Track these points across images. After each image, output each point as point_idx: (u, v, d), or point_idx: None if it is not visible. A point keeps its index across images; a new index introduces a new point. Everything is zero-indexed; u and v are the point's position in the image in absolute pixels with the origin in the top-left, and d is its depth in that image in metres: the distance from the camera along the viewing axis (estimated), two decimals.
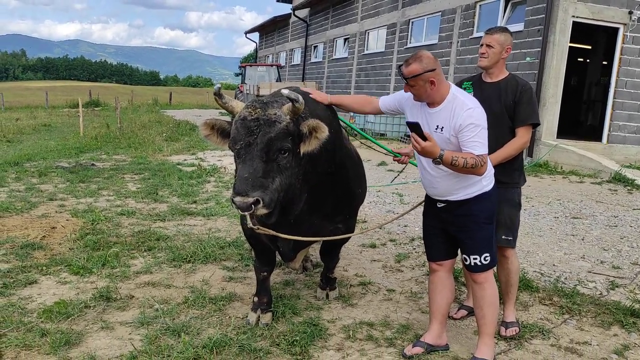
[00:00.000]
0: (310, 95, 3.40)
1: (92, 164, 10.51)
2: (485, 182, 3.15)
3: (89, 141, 14.35)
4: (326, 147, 3.10)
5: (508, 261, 3.71)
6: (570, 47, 11.89)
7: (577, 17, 11.49)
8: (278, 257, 3.89)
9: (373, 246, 5.59)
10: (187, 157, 12.03)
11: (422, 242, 5.65)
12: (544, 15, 11.59)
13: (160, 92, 52.89)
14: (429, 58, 2.98)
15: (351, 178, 3.68)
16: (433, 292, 3.41)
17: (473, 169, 2.91)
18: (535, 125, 3.66)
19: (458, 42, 14.82)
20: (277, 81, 23.45)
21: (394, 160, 3.99)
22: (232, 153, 3.00)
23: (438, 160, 2.87)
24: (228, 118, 3.56)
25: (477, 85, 3.76)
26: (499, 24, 13.33)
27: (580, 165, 10.66)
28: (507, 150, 3.56)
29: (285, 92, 2.90)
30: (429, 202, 3.37)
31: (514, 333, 3.67)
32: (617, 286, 4.59)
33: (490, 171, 3.19)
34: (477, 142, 2.92)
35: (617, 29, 11.90)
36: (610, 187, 9.38)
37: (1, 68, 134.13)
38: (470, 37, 14.33)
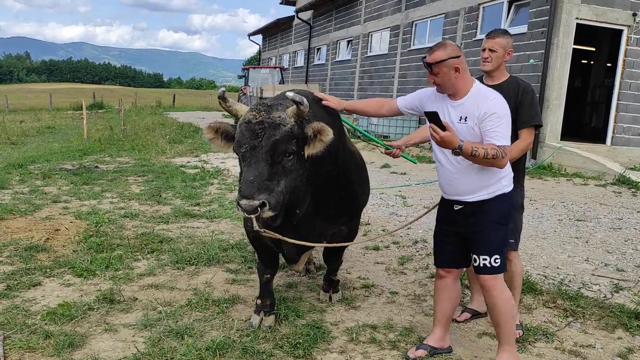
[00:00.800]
0: (324, 102, 3.40)
1: (96, 166, 10.54)
2: (505, 182, 3.11)
3: (93, 143, 14.38)
4: (330, 149, 3.10)
5: (511, 264, 3.69)
6: (574, 49, 11.87)
7: (580, 19, 11.47)
8: (281, 260, 3.89)
9: (376, 249, 5.58)
10: (190, 160, 12.05)
11: (425, 244, 5.68)
12: (547, 17, 11.58)
13: (163, 95, 53.05)
14: (453, 46, 2.99)
15: (354, 180, 3.68)
16: (438, 297, 3.38)
17: (494, 159, 2.84)
18: (538, 126, 3.66)
19: (461, 44, 14.80)
20: (280, 83, 23.48)
21: (385, 153, 3.99)
22: (235, 156, 3.01)
23: (457, 150, 2.80)
24: (232, 120, 3.57)
25: None
26: (502, 26, 13.33)
27: (584, 167, 10.64)
28: (511, 152, 3.56)
29: (290, 94, 2.90)
30: (445, 205, 3.32)
31: (518, 336, 3.66)
32: (621, 289, 4.58)
33: (510, 173, 3.16)
34: (499, 132, 2.87)
35: (621, 31, 11.88)
36: (614, 189, 9.35)
37: (5, 70, 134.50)
38: (473, 39, 14.33)
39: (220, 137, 3.08)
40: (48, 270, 4.61)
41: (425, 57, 3.02)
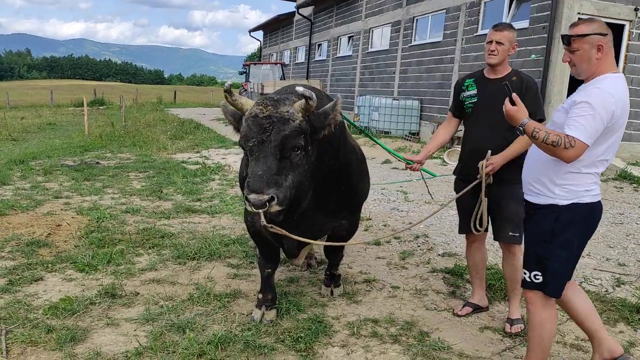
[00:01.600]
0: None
1: (97, 162, 10.54)
2: (578, 195, 2.73)
3: (94, 139, 14.38)
4: (331, 143, 3.10)
5: (514, 258, 3.70)
6: None
7: (582, 13, 11.42)
8: (282, 255, 3.89)
9: (377, 244, 5.58)
10: (191, 155, 12.05)
11: (426, 239, 5.68)
12: (549, 12, 11.54)
13: (164, 91, 53.02)
14: (601, 23, 2.77)
15: (355, 174, 3.68)
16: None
17: (554, 147, 2.56)
18: (541, 120, 3.65)
19: (462, 39, 14.77)
20: (281, 79, 23.47)
21: (406, 167, 4.00)
22: (236, 152, 3.00)
23: (520, 128, 2.68)
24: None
25: (480, 82, 3.76)
26: (504, 21, 13.29)
27: None
28: (516, 147, 3.55)
29: (299, 89, 2.88)
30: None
31: (519, 330, 3.66)
32: (622, 283, 4.58)
33: (589, 189, 2.75)
34: (578, 122, 2.54)
35: (622, 26, 11.84)
36: (616, 184, 9.34)
37: (6, 67, 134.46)
38: (474, 34, 14.28)
39: (233, 120, 3.09)
40: (50, 265, 4.61)
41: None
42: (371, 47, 21.01)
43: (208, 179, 9.09)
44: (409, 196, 8.00)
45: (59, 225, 5.82)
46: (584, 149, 2.57)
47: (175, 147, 13.23)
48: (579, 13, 11.38)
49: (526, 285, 2.87)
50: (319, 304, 4.00)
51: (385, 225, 6.29)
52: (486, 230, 3.71)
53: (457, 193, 3.94)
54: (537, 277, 2.81)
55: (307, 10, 27.63)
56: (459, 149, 12.12)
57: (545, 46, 11.64)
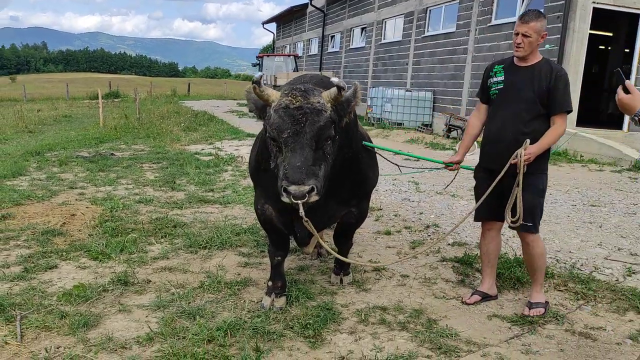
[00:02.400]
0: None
1: (112, 154, 10.66)
2: None
3: (109, 131, 14.52)
4: (347, 132, 3.13)
5: (529, 247, 3.71)
6: (591, 34, 11.70)
7: (597, 2, 11.30)
8: (293, 244, 3.93)
9: (388, 233, 5.59)
10: (204, 147, 12.13)
11: (437, 229, 5.69)
12: (563, 2, 11.41)
13: (178, 84, 53.23)
14: None
15: (365, 162, 3.70)
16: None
17: None
18: (569, 112, 3.60)
19: (476, 30, 14.66)
20: (294, 71, 23.46)
21: (447, 169, 4.03)
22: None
23: (635, 117, 2.54)
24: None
25: (508, 70, 3.71)
26: (517, 11, 13.17)
27: (600, 153, 10.52)
28: (549, 139, 3.54)
29: (335, 80, 2.92)
30: None
31: (538, 314, 3.67)
32: (634, 272, 4.55)
33: None
34: None
35: (638, 15, 11.67)
36: (630, 175, 9.25)
37: (23, 60, 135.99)
38: (488, 24, 14.17)
39: (253, 104, 3.07)
40: (64, 253, 4.69)
41: None
42: (384, 39, 20.93)
43: (221, 170, 9.15)
44: (421, 187, 8.00)
45: (73, 214, 5.91)
46: None
47: (189, 139, 13.33)
48: (593, 2, 11.26)
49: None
50: (328, 291, 4.04)
51: (396, 216, 6.30)
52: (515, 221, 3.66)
53: (476, 180, 3.96)
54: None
55: (320, 2, 27.55)
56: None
57: (559, 36, 11.53)
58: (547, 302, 3.81)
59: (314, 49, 30.14)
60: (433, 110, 16.63)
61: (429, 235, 5.55)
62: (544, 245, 3.83)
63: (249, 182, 7.94)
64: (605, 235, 5.67)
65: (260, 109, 3.05)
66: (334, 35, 27.04)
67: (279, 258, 3.80)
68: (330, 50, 27.45)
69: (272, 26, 40.05)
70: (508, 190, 3.62)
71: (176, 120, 17.41)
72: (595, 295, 4.03)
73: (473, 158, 10.22)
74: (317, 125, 2.84)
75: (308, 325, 3.39)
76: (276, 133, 2.87)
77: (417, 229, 5.79)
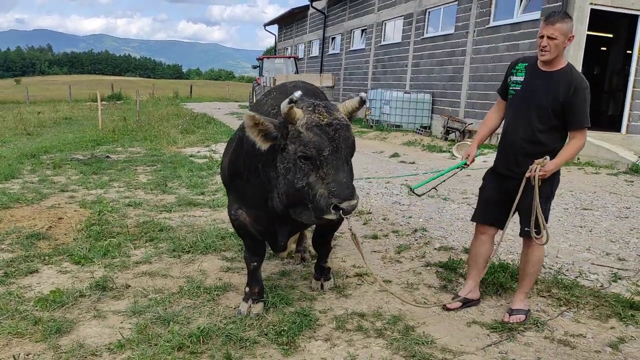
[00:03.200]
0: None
1: (107, 156, 10.66)
2: None
3: (107, 134, 14.53)
4: None
5: (528, 251, 3.70)
6: (591, 35, 11.62)
7: (595, 4, 11.22)
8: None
9: (375, 237, 5.56)
10: (200, 149, 12.12)
11: (424, 233, 5.65)
12: (561, 3, 11.34)
13: (182, 86, 53.33)
14: None
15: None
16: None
17: None
18: (589, 128, 3.48)
19: (474, 31, 14.60)
20: (294, 73, 23.43)
21: (465, 167, 4.01)
22: None
23: None
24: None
25: (530, 71, 3.58)
26: (515, 13, 13.13)
27: (596, 156, 10.45)
28: (568, 155, 3.47)
29: (363, 95, 3.07)
30: None
31: (518, 321, 3.62)
32: (620, 278, 4.49)
33: None
34: None
35: (637, 17, 11.59)
36: (626, 178, 9.17)
37: (28, 63, 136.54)
38: (486, 26, 14.10)
39: (257, 131, 2.95)
40: (47, 257, 4.67)
41: None
42: (384, 40, 20.89)
43: (214, 172, 9.12)
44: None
45: (60, 218, 5.89)
46: None
47: (186, 141, 13.32)
48: (591, 4, 11.19)
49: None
50: (308, 297, 4.00)
51: (384, 219, 6.25)
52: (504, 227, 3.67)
53: (483, 180, 3.91)
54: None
55: (321, 4, 27.54)
56: (469, 143, 12.03)
57: None
58: (529, 310, 3.77)
59: (315, 50, 30.12)
60: (432, 112, 16.57)
61: (416, 240, 5.50)
62: (543, 254, 3.78)
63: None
64: (594, 239, 5.61)
65: (278, 127, 2.95)
66: (334, 37, 27.02)
67: (255, 264, 3.77)
68: (330, 52, 27.43)
69: (274, 28, 40.09)
70: (512, 194, 3.56)
71: (174, 123, 17.42)
72: (578, 302, 3.98)
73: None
74: (350, 139, 2.95)
75: (282, 332, 3.36)
76: (315, 152, 2.85)
77: (405, 233, 5.74)
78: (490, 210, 3.78)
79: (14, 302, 3.73)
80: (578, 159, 10.62)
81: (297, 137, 2.88)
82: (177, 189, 7.77)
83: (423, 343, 3.32)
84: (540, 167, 3.40)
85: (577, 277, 4.47)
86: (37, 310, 3.62)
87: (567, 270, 4.64)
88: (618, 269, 4.71)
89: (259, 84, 22.80)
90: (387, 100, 16.59)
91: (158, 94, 38.91)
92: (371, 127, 17.28)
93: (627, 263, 4.90)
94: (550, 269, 4.67)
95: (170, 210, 6.45)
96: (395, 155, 11.28)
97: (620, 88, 14.17)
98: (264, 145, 2.95)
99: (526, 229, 3.58)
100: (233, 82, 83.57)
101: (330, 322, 3.60)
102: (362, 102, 3.00)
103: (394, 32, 20.11)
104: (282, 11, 35.08)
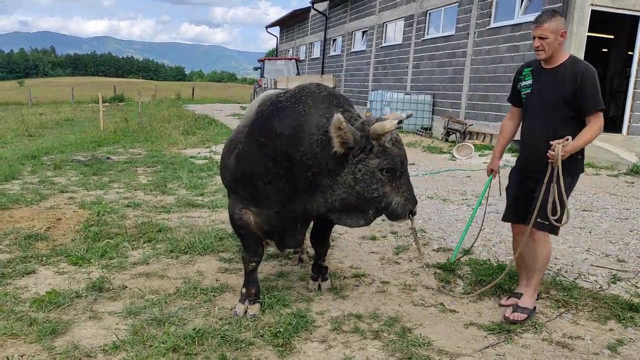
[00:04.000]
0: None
1: (108, 158, 10.66)
2: None
3: (108, 135, 14.56)
4: None
5: (535, 244, 3.67)
6: (592, 37, 11.59)
7: (596, 5, 11.19)
8: (271, 249, 3.89)
9: (373, 238, 5.54)
10: (201, 151, 12.11)
11: (423, 234, 5.62)
12: (561, 4, 11.32)
13: (184, 88, 53.43)
14: None
15: None
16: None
17: None
18: (602, 110, 3.50)
19: (475, 32, 14.59)
20: (296, 75, 23.43)
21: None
22: None
23: None
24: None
25: (536, 73, 3.68)
26: (516, 14, 13.11)
27: (597, 157, 10.41)
28: (585, 138, 3.46)
29: (404, 115, 3.53)
30: None
31: (518, 319, 3.60)
32: (619, 280, 4.46)
33: None
34: None
35: (638, 17, 11.56)
36: (627, 179, 9.14)
37: (32, 64, 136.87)
38: (487, 27, 14.08)
39: (337, 135, 2.99)
40: (44, 258, 4.66)
41: None
42: (385, 42, 20.89)
43: (214, 173, 9.10)
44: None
45: (59, 219, 5.89)
46: None
47: (186, 142, 13.32)
48: (592, 5, 11.16)
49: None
50: (305, 298, 3.98)
51: (383, 220, 6.18)
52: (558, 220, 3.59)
53: (509, 180, 3.99)
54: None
55: (322, 6, 27.57)
56: (470, 145, 12.00)
57: None
58: (534, 309, 3.74)
59: (317, 52, 30.14)
60: (432, 114, 16.55)
61: (414, 241, 5.47)
62: (550, 248, 3.76)
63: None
64: (594, 240, 5.58)
65: (360, 140, 3.05)
66: (335, 39, 27.03)
67: (254, 264, 3.76)
68: (332, 53, 27.44)
69: (276, 30, 40.13)
70: (533, 184, 3.63)
71: (176, 124, 17.42)
72: (576, 303, 3.95)
73: (470, 162, 10.21)
74: None
75: (278, 334, 3.34)
76: (400, 165, 3.14)
77: (403, 234, 5.72)
78: (519, 209, 3.82)
79: (10, 303, 3.72)
80: None
81: (382, 152, 3.07)
82: (177, 189, 7.76)
83: (420, 345, 3.30)
84: (561, 147, 3.40)
85: (576, 279, 4.45)
86: (32, 311, 3.61)
87: (566, 272, 4.62)
88: (617, 270, 4.69)
89: (260, 86, 22.81)
90: (387, 102, 16.58)
91: (160, 96, 38.97)
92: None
93: (627, 264, 4.87)
94: (549, 270, 4.64)
95: (169, 211, 6.44)
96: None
97: (622, 89, 14.14)
98: (340, 150, 3.04)
99: (539, 220, 3.55)
100: (235, 84, 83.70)
101: (327, 324, 3.58)
102: (401, 121, 3.32)
103: (394, 33, 20.11)
104: (284, 13, 35.11)
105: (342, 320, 3.62)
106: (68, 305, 3.71)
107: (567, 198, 3.58)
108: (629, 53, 14.05)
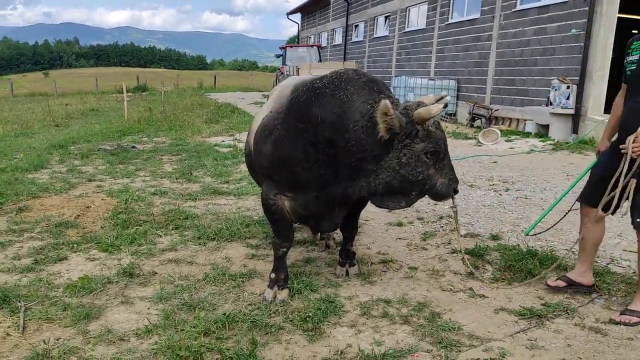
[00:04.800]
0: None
1: (133, 147, 10.78)
2: None
3: (133, 124, 14.72)
4: None
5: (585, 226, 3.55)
6: (621, 17, 11.29)
7: None
8: (300, 235, 3.89)
9: (400, 224, 5.51)
10: (225, 139, 12.17)
11: (450, 220, 5.57)
12: None
13: (206, 76, 53.63)
14: None
15: None
16: None
17: None
18: None
19: (501, 15, 14.32)
20: (318, 62, 23.35)
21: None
22: None
23: None
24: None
25: None
26: None
27: None
28: None
29: (446, 99, 3.51)
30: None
31: (627, 322, 3.39)
32: None
33: None
34: None
35: None
36: None
37: (56, 56, 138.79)
38: (513, 10, 13.81)
39: (383, 121, 3.05)
40: (75, 245, 4.75)
41: None
42: (408, 27, 20.65)
43: (239, 161, 9.14)
44: None
45: (88, 207, 5.98)
46: None
47: (210, 131, 13.39)
48: None
49: None
50: (333, 284, 3.98)
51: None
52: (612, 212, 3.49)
53: (600, 159, 3.77)
54: None
55: None
56: (496, 130, 11.75)
57: (586, 20, 11.16)
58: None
59: (338, 38, 29.96)
60: (457, 99, 16.35)
61: (442, 227, 5.44)
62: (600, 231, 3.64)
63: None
64: (626, 225, 5.44)
65: (405, 126, 3.11)
66: (357, 25, 26.81)
67: (285, 250, 3.78)
68: (354, 39, 27.24)
69: (297, 17, 39.97)
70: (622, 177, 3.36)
71: (199, 113, 17.51)
72: (609, 289, 3.89)
73: (496, 148, 10.05)
74: None
75: (308, 318, 3.35)
76: (443, 147, 3.24)
77: (430, 220, 5.68)
78: (596, 189, 3.60)
79: (44, 289, 3.80)
80: None
81: (427, 136, 3.14)
82: (202, 177, 7.82)
83: (450, 329, 3.28)
84: (631, 141, 3.23)
85: (608, 264, 4.37)
86: (66, 296, 3.68)
87: (598, 257, 4.53)
88: None
89: (282, 73, 22.77)
90: (411, 87, 16.41)
91: (182, 85, 39.21)
92: None
93: None
94: None
95: (196, 199, 6.49)
96: None
97: None
98: (386, 136, 3.08)
99: (638, 220, 3.39)
100: (257, 72, 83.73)
101: (356, 309, 3.58)
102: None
103: (418, 18, 19.86)
104: (304, 0, 34.87)
105: (371, 305, 3.62)
106: (100, 291, 3.78)
107: None
108: None
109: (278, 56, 26.20)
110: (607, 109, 11.34)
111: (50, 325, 3.29)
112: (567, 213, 4.26)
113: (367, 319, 3.45)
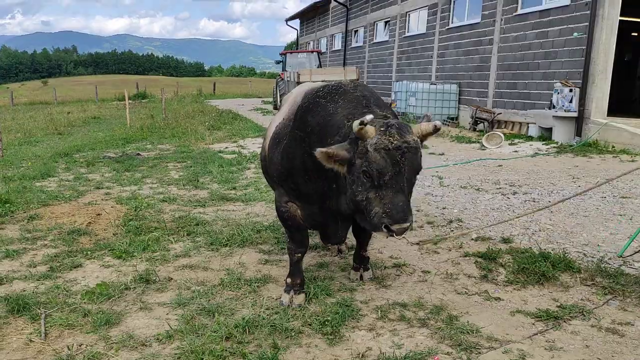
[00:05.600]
0: None
1: (138, 154, 10.81)
2: None
3: (135, 132, 14.75)
4: None
5: None
6: (622, 20, 11.36)
7: None
8: (313, 240, 3.92)
9: (410, 229, 5.52)
10: (228, 145, 12.21)
11: (460, 224, 5.60)
12: None
13: (204, 83, 53.75)
14: None
15: None
16: None
17: None
18: None
19: (502, 20, 14.39)
20: (318, 67, 23.39)
21: None
22: None
23: None
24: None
25: None
26: (544, 0, 12.89)
27: (632, 143, 10.22)
28: None
29: (438, 123, 3.08)
30: None
31: None
32: None
33: None
34: None
35: None
36: None
37: (54, 64, 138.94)
38: (514, 14, 13.89)
39: (333, 162, 3.02)
40: (89, 252, 4.78)
41: None
42: (408, 32, 20.72)
43: (244, 167, 9.19)
44: (444, 181, 7.89)
45: (98, 214, 6.01)
46: None
47: (213, 138, 13.43)
48: None
49: None
50: (348, 288, 4.01)
51: (418, 211, 6.22)
52: None
53: None
54: None
55: None
56: (500, 134, 11.78)
57: (587, 24, 11.23)
58: None
59: (338, 44, 30.04)
60: (459, 103, 16.41)
61: (452, 230, 5.47)
62: None
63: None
64: (635, 227, 5.49)
65: (350, 149, 2.99)
66: (357, 30, 26.90)
67: (300, 255, 3.81)
68: (353, 45, 27.32)
69: (296, 23, 40.07)
70: None
71: (201, 120, 17.55)
72: (623, 290, 3.91)
73: (500, 151, 10.09)
74: (415, 163, 2.95)
75: (326, 322, 3.38)
76: (376, 173, 2.90)
77: (440, 224, 5.71)
78: None
79: (62, 295, 3.83)
80: (613, 147, 10.42)
81: (364, 154, 2.92)
82: (209, 184, 7.84)
83: (468, 332, 3.31)
84: None
85: (620, 266, 4.39)
86: (85, 302, 3.71)
87: (610, 259, 4.57)
88: None
89: (282, 79, 22.80)
90: (412, 92, 16.47)
91: (182, 92, 39.25)
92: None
93: None
94: (593, 257, 4.60)
95: (204, 205, 6.52)
96: (424, 147, 11.18)
97: None
98: (343, 170, 3.02)
99: None
100: (255, 79, 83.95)
101: (373, 312, 3.61)
102: (437, 129, 3.05)
103: (418, 22, 19.94)
104: (302, 6, 34.97)
105: (387, 309, 3.65)
106: (118, 297, 3.80)
107: None
108: None
109: (278, 62, 26.24)
110: (611, 112, 11.42)
111: (72, 331, 3.31)
112: None
113: (385, 322, 3.48)
